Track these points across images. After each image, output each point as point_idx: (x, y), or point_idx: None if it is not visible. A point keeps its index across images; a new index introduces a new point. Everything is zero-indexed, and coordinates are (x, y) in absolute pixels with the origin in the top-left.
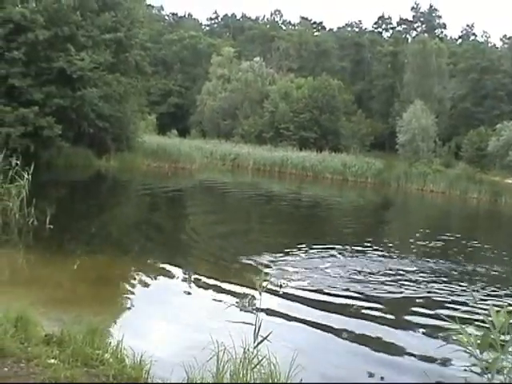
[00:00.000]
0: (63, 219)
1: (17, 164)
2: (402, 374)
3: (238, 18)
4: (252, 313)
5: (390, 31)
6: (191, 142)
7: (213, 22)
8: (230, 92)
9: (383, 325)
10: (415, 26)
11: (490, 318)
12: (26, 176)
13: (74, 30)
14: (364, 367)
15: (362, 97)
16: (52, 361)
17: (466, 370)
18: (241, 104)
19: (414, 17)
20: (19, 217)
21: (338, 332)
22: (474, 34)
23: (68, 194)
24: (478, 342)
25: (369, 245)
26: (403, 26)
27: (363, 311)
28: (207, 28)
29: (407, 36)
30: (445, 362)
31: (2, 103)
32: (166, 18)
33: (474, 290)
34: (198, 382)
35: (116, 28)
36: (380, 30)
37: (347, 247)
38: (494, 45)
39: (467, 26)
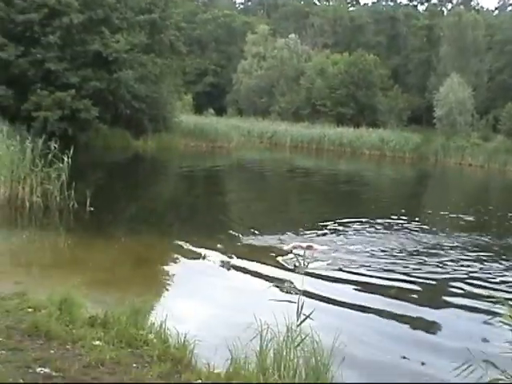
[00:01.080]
0: (103, 201)
1: (55, 147)
2: (442, 353)
3: None
4: (294, 292)
5: (426, 4)
6: (228, 120)
7: None
8: (265, 70)
9: (423, 302)
10: None
11: None
12: (65, 159)
13: (109, 13)
14: (403, 347)
15: (398, 71)
16: (97, 342)
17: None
18: (277, 81)
19: None
20: (60, 200)
21: (377, 311)
22: (511, 4)
23: (107, 175)
24: None
25: (406, 219)
26: None
27: (402, 289)
28: (241, 6)
29: (443, 9)
30: (488, 342)
31: (39, 87)
32: None
33: None
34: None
35: (150, 9)
36: (415, 3)
37: (384, 222)
38: None
39: None
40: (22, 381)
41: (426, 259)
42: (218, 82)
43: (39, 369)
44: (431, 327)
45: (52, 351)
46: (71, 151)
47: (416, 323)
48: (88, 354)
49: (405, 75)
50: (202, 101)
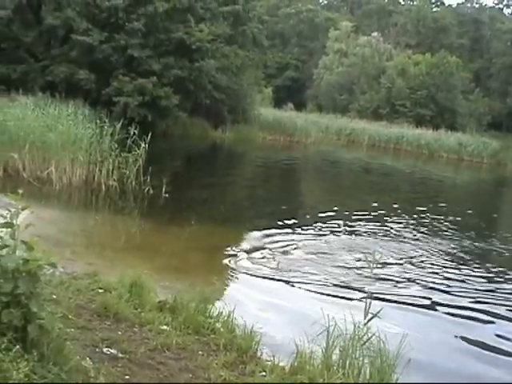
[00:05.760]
0: (178, 188)
1: (135, 133)
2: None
3: None
4: (362, 290)
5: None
6: (307, 115)
7: None
8: (346, 67)
9: (495, 307)
10: None
11: None
12: (142, 145)
13: (193, 2)
14: (471, 353)
15: (480, 75)
16: (164, 327)
17: None
18: (357, 79)
19: None
20: (135, 184)
21: (446, 313)
22: None
23: (183, 163)
24: None
25: (477, 225)
26: None
27: (472, 293)
28: (325, 2)
29: None
30: None
31: (121, 73)
32: None
33: None
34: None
35: (234, 1)
36: (501, 6)
37: (455, 226)
38: None
39: None
40: (88, 359)
41: (491, 265)
42: (299, 77)
43: (106, 349)
44: (504, 333)
45: (119, 332)
46: (149, 137)
47: (489, 331)
48: (155, 337)
49: (487, 79)
50: (282, 95)
